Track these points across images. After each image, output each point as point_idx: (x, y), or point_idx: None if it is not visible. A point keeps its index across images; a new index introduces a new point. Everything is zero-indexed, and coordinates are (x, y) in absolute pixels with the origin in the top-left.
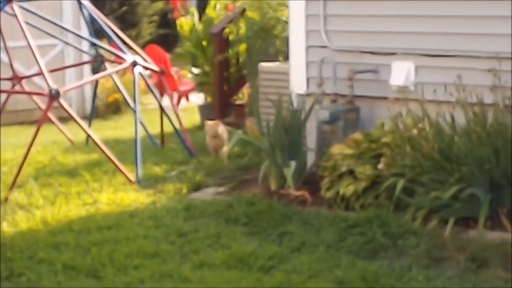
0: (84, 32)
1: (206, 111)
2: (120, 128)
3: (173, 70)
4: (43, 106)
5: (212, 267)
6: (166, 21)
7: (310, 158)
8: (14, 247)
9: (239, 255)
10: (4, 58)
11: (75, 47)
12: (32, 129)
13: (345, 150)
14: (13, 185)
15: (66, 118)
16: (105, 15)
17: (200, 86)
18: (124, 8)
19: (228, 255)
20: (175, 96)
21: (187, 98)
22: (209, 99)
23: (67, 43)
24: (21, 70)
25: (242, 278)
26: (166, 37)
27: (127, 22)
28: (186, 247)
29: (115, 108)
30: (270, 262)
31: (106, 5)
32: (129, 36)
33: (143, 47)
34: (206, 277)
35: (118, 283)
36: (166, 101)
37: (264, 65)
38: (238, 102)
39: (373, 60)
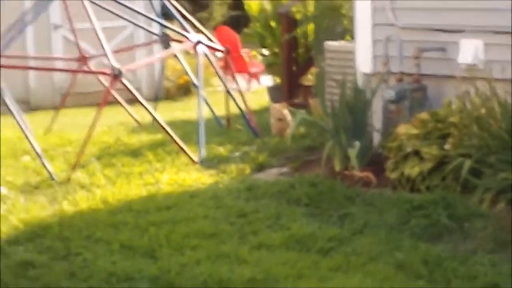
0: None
1: (274, 93)
2: (189, 109)
3: (244, 51)
4: None
5: (270, 248)
6: (238, 3)
7: (376, 138)
8: (73, 227)
9: (298, 236)
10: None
11: (143, 28)
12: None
13: (411, 130)
14: (75, 165)
15: (134, 100)
16: None
17: (269, 67)
18: None
19: (287, 236)
20: (246, 77)
21: (258, 80)
22: (278, 80)
23: (135, 24)
24: (92, 51)
25: (299, 260)
26: (238, 18)
27: (199, 4)
28: (246, 228)
29: (186, 89)
30: (330, 244)
31: None
32: (201, 18)
33: (214, 29)
34: (263, 258)
35: (173, 263)
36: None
37: (329, 44)
38: (306, 83)
39: (441, 38)
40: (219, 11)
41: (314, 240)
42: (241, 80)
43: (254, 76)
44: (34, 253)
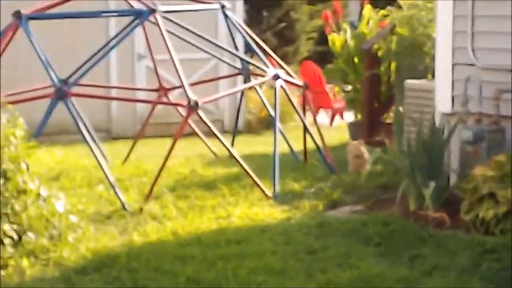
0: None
1: (355, 129)
2: (269, 143)
3: (328, 87)
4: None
5: (338, 287)
6: (324, 38)
7: (453, 179)
8: (141, 258)
9: (367, 276)
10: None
11: (223, 61)
12: (180, 142)
13: (488, 172)
14: (148, 196)
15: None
16: (263, 31)
17: (350, 103)
18: (283, 24)
19: (355, 276)
20: (329, 113)
21: (342, 116)
22: (359, 117)
23: (216, 58)
24: (175, 82)
25: None
26: (324, 54)
27: (285, 38)
28: (314, 265)
29: (267, 123)
30: (398, 285)
31: (264, 20)
32: (287, 53)
33: (300, 63)
34: None
35: None
36: (321, 118)
37: (409, 82)
38: (388, 120)
39: None
40: (305, 46)
41: (382, 281)
42: (324, 115)
43: (338, 111)
44: (100, 283)
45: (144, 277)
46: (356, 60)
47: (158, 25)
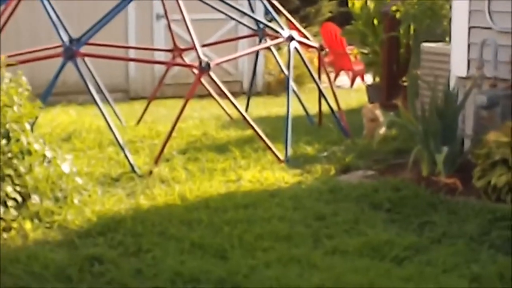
0: (258, 6)
1: (373, 92)
2: None
3: (349, 48)
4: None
5: (344, 254)
6: None
7: (466, 144)
8: (147, 222)
9: (374, 243)
10: (178, 30)
11: (239, 21)
12: (199, 103)
13: (501, 137)
14: (158, 159)
15: (234, 93)
16: None
17: (369, 66)
18: None
19: (362, 243)
20: (350, 75)
21: (362, 78)
22: (377, 79)
23: (232, 18)
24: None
25: (372, 268)
26: (346, 15)
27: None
28: (322, 231)
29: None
30: (405, 252)
31: None
32: (308, 13)
33: (321, 24)
34: (334, 265)
35: (243, 265)
36: (342, 80)
37: (426, 45)
38: (407, 83)
39: None
40: (327, 7)
41: (390, 248)
42: (345, 77)
43: (359, 73)
44: (103, 248)
45: (148, 242)
46: (375, 22)
47: None
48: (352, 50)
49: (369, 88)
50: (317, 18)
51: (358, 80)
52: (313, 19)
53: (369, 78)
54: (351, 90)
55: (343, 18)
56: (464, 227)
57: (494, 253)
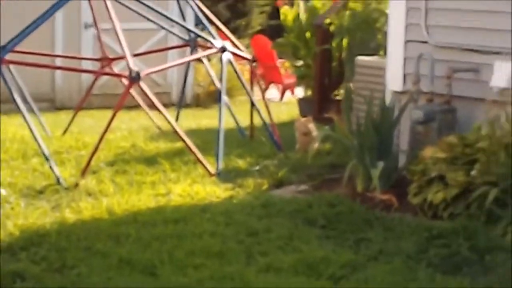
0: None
1: (305, 105)
2: (217, 117)
3: (279, 62)
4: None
5: (279, 272)
6: (277, 12)
7: (402, 160)
8: (72, 236)
9: (310, 260)
10: (107, 39)
11: (170, 32)
12: (127, 114)
13: (437, 153)
14: (84, 171)
15: (163, 104)
16: (215, 3)
17: (301, 79)
18: None
19: (297, 260)
20: (280, 88)
21: (292, 91)
22: (309, 93)
23: (164, 28)
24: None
25: (307, 287)
26: (276, 28)
27: (238, 12)
28: (255, 247)
29: (217, 96)
30: (342, 270)
31: None
32: (239, 26)
33: (251, 37)
34: (269, 283)
35: (174, 282)
36: (272, 93)
37: (360, 59)
38: (338, 97)
39: (474, 59)
40: (258, 19)
41: (326, 265)
42: (275, 90)
43: (289, 87)
44: (26, 263)
45: (73, 257)
46: (308, 35)
47: None
48: (283, 63)
49: (300, 101)
50: (248, 30)
51: (288, 93)
52: (243, 31)
53: (300, 92)
54: (281, 104)
55: (274, 30)
56: (400, 244)
57: (432, 272)
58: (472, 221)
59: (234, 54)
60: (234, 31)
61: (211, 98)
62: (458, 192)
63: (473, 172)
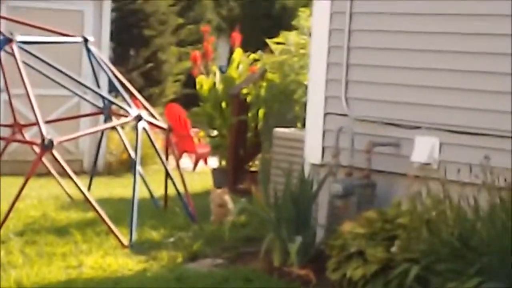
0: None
1: (219, 176)
2: (130, 186)
3: (193, 131)
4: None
5: None
6: (192, 81)
7: (320, 234)
8: None
9: None
10: (18, 105)
11: (84, 99)
12: (37, 181)
13: (357, 228)
14: None
15: (74, 172)
16: (129, 71)
17: (215, 149)
18: (150, 65)
19: None
20: (193, 158)
21: (206, 161)
22: (223, 163)
23: (77, 95)
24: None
25: None
26: (191, 96)
27: (152, 79)
28: None
29: (129, 165)
30: None
31: (131, 60)
32: (152, 94)
33: (165, 105)
34: None
35: None
36: (184, 162)
37: (278, 130)
38: (253, 168)
39: (395, 133)
40: (172, 88)
41: None
42: (188, 160)
43: (202, 156)
44: None
45: None
46: (223, 105)
47: (14, 56)
48: (197, 133)
49: (215, 171)
50: (161, 99)
51: (201, 163)
52: (156, 99)
53: (213, 162)
54: (194, 173)
55: (188, 99)
56: None
57: None
58: None
59: (149, 123)
60: (148, 99)
61: (124, 167)
62: (377, 268)
63: (393, 249)
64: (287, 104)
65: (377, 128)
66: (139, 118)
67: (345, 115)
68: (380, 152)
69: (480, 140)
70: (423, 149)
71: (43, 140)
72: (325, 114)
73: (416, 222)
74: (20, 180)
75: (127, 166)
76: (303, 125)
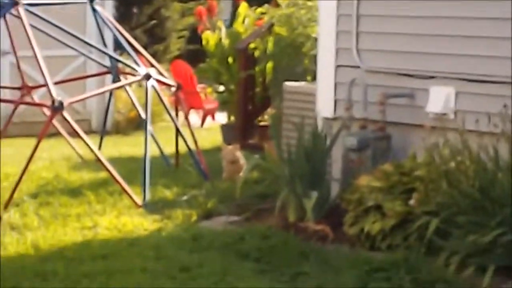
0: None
1: (228, 132)
2: (139, 144)
3: (200, 87)
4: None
5: None
6: (196, 37)
7: (334, 188)
8: None
9: None
10: (24, 67)
11: (92, 59)
12: (48, 142)
13: (373, 182)
14: (8, 204)
15: (85, 132)
16: (133, 28)
17: (223, 104)
18: (153, 22)
19: None
20: (200, 114)
21: (213, 117)
22: (232, 119)
23: (84, 55)
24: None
25: None
26: (195, 52)
27: (156, 36)
28: (189, 284)
29: (137, 123)
30: None
31: (134, 18)
32: (157, 51)
33: (170, 62)
34: None
35: None
36: (192, 119)
37: (288, 84)
38: (262, 123)
39: (409, 84)
40: (176, 44)
41: None
42: (195, 116)
43: (209, 112)
44: None
45: None
46: (230, 60)
47: (21, 18)
48: (203, 89)
49: (224, 127)
50: (166, 55)
51: (209, 119)
52: (161, 56)
53: (221, 117)
54: (202, 129)
55: (192, 55)
56: (339, 278)
57: None
58: (412, 252)
59: (158, 81)
60: (152, 56)
61: (132, 125)
62: (396, 223)
63: (411, 202)
64: (295, 57)
65: (390, 79)
66: (148, 76)
67: (357, 67)
68: (394, 104)
69: (498, 88)
70: (438, 99)
71: (53, 101)
72: (337, 67)
73: (434, 174)
74: (29, 142)
75: (135, 125)
76: (313, 79)
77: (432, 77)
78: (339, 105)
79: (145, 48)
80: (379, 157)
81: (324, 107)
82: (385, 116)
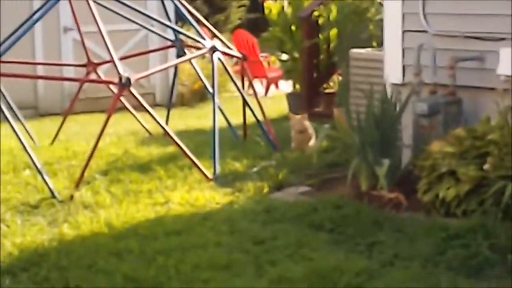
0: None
1: (294, 100)
2: (204, 117)
3: (262, 56)
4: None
5: (291, 283)
6: (256, 5)
7: (406, 155)
8: (72, 254)
9: (322, 269)
10: (89, 43)
11: (155, 33)
12: (113, 117)
13: (446, 147)
14: (79, 182)
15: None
16: None
17: (288, 73)
18: None
19: (309, 269)
20: (264, 83)
21: (277, 85)
22: (297, 87)
23: (147, 29)
24: (104, 55)
25: None
26: (256, 21)
27: (216, 7)
28: (263, 257)
29: (201, 95)
30: (358, 278)
31: None
32: (218, 21)
33: (231, 32)
34: None
35: None
36: (256, 88)
37: (355, 51)
38: (328, 90)
39: (478, 47)
40: (237, 14)
41: (339, 274)
42: (259, 85)
43: (273, 81)
44: (28, 285)
45: (76, 277)
46: (293, 28)
47: None
48: (267, 57)
49: (289, 96)
50: (227, 25)
51: (272, 87)
52: (222, 26)
53: (284, 86)
54: (266, 98)
55: (253, 24)
56: (416, 246)
57: (454, 275)
58: (489, 218)
59: (224, 53)
60: (214, 26)
61: (196, 97)
62: (470, 188)
63: (485, 166)
64: (360, 23)
65: (458, 42)
66: (214, 49)
67: (424, 31)
68: (464, 67)
69: None
70: (509, 61)
71: (120, 78)
72: (404, 32)
73: (508, 138)
74: (93, 118)
75: (199, 96)
76: (379, 45)
77: (502, 39)
78: (408, 70)
79: (206, 18)
80: (450, 122)
81: (392, 73)
82: (455, 80)
